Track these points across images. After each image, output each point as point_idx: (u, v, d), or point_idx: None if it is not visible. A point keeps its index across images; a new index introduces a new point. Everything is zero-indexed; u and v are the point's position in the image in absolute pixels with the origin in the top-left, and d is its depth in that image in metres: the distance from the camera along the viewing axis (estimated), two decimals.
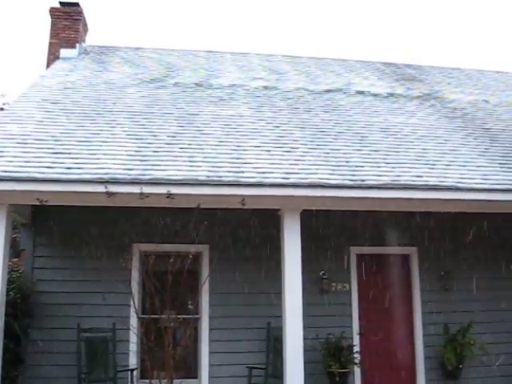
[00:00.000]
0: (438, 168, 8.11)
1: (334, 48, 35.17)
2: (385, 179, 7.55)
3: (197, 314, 8.74)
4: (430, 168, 8.08)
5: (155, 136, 8.21)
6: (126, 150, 7.58)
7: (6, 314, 7.10)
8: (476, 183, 7.81)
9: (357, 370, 8.82)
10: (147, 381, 6.87)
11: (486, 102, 11.87)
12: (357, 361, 8.66)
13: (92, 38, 13.54)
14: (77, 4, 12.52)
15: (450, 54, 35.42)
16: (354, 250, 9.35)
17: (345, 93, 11.32)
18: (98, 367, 8.21)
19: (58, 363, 8.14)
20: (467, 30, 39.65)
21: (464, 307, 9.27)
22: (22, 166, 6.90)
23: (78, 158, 7.23)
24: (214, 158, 7.65)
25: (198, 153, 7.76)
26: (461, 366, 8.95)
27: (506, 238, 9.28)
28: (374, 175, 7.63)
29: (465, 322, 9.07)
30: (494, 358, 9.02)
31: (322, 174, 7.51)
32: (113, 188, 6.60)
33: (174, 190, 6.76)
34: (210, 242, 8.57)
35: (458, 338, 9.00)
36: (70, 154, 7.34)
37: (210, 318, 8.72)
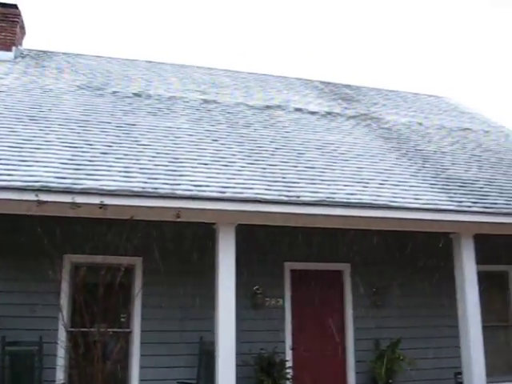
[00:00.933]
0: (372, 186, 8.32)
1: (273, 64, 35.64)
2: (320, 196, 7.67)
3: (128, 327, 8.55)
4: (364, 186, 8.26)
5: (90, 145, 8.04)
6: (59, 158, 7.40)
7: None
8: (408, 202, 8.06)
9: None
10: None
11: (420, 124, 12.26)
12: (289, 376, 8.67)
13: (30, 43, 13.24)
14: (15, 6, 12.17)
15: (386, 76, 36.53)
16: (289, 266, 9.40)
17: (283, 109, 11.45)
18: (23, 383, 7.90)
19: None
20: (404, 53, 41.01)
21: (394, 323, 9.48)
22: None
23: (8, 165, 7.01)
24: (150, 169, 7.57)
25: (133, 164, 7.66)
26: (391, 380, 9.11)
27: (435, 257, 9.53)
28: (309, 192, 7.74)
29: (395, 338, 9.26)
30: (423, 372, 9.23)
31: (259, 189, 7.56)
32: (44, 197, 6.43)
33: (108, 200, 6.64)
34: (143, 254, 8.46)
35: (387, 353, 9.17)
36: None
37: (142, 331, 8.52)
